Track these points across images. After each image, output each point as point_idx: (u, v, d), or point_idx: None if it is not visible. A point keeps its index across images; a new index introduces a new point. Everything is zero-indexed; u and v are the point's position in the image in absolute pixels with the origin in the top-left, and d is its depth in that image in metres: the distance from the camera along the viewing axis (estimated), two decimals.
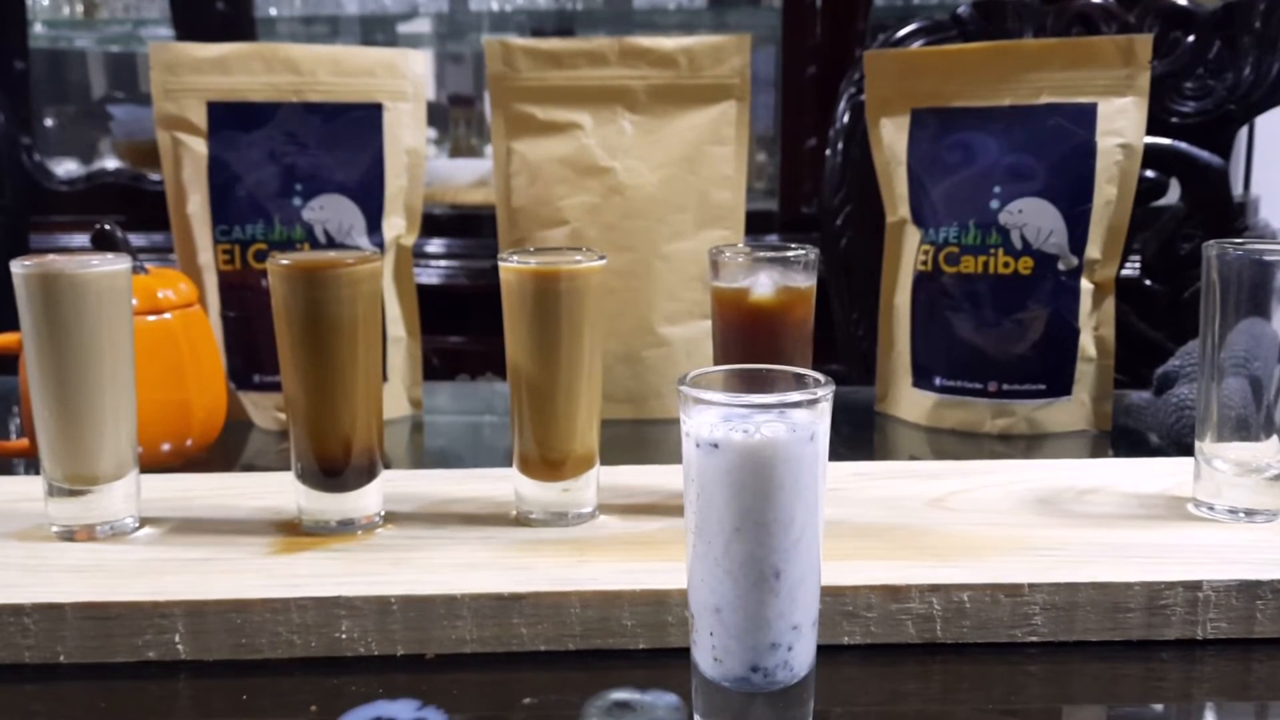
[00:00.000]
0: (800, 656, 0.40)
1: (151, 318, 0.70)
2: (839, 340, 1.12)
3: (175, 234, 0.85)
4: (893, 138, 0.86)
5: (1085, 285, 0.81)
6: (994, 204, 0.81)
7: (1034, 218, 0.80)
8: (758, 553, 0.39)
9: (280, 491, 0.59)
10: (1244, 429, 0.57)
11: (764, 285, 0.58)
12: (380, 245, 0.84)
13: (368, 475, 0.57)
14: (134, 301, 0.58)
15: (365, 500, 0.57)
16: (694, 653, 0.41)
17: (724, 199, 0.86)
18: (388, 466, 0.61)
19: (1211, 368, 0.57)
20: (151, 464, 0.70)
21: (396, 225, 0.86)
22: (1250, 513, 0.56)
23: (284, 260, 0.55)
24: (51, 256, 0.55)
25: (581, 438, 0.58)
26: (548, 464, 0.58)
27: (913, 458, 0.80)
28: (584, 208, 0.84)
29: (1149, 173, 0.94)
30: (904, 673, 0.48)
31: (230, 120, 0.82)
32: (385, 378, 0.84)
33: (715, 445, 0.38)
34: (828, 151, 1.09)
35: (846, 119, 1.07)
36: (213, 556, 0.53)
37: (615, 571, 0.50)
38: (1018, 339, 0.81)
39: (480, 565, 0.52)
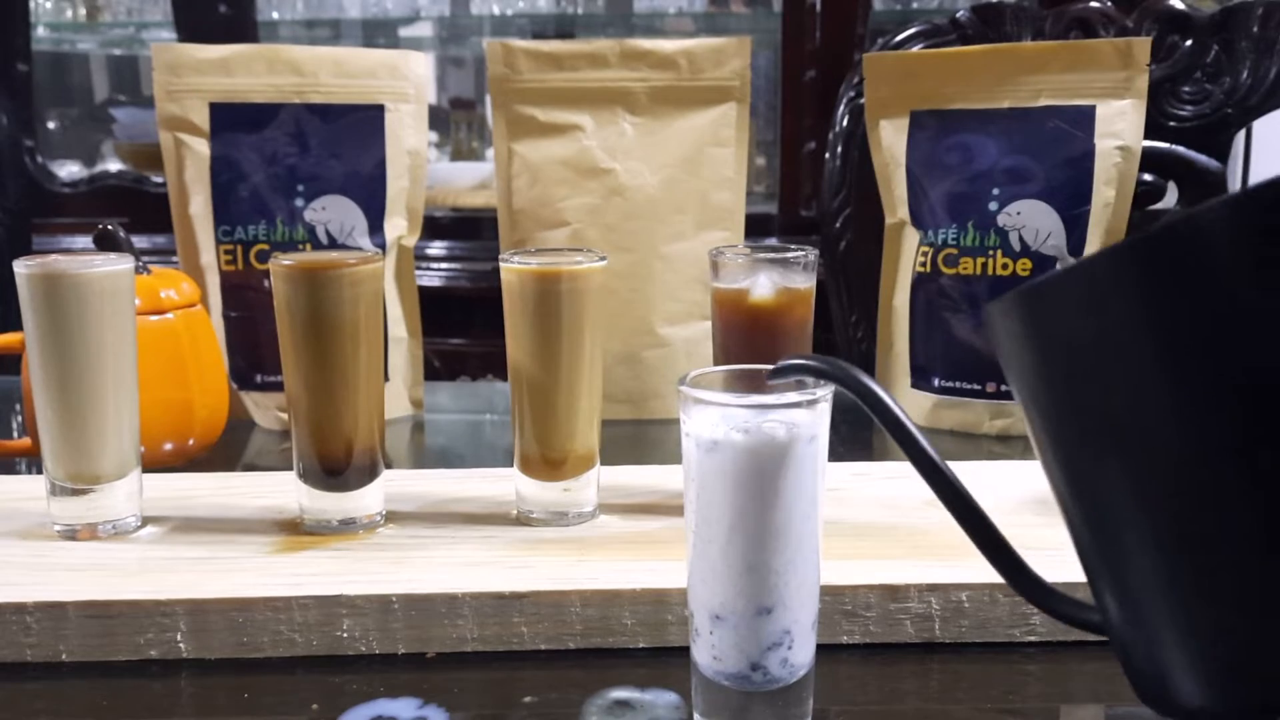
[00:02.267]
0: (799, 655, 0.40)
1: (154, 317, 0.71)
2: (838, 341, 1.12)
3: (177, 234, 0.85)
4: (892, 140, 0.86)
5: None
6: (993, 206, 0.81)
7: (1032, 219, 0.80)
8: (757, 552, 0.39)
9: (282, 491, 0.60)
10: None
11: (764, 286, 0.58)
12: (382, 246, 0.85)
13: (369, 475, 0.57)
14: (136, 301, 0.58)
15: (367, 499, 0.57)
16: (694, 651, 0.41)
17: (724, 200, 0.86)
18: (389, 466, 0.62)
19: None
20: (154, 463, 0.70)
21: (398, 226, 0.86)
22: None
23: (286, 260, 0.55)
24: (54, 257, 0.55)
25: (582, 437, 0.58)
26: (548, 463, 0.58)
27: None
28: (585, 209, 0.85)
29: (1147, 176, 0.94)
30: (903, 672, 0.48)
31: (233, 121, 0.82)
32: (387, 377, 0.84)
33: (715, 445, 0.38)
34: (827, 155, 1.10)
35: (846, 122, 1.08)
36: (215, 555, 0.53)
37: (615, 571, 0.51)
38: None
39: (481, 564, 0.52)
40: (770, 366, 0.42)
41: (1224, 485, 0.25)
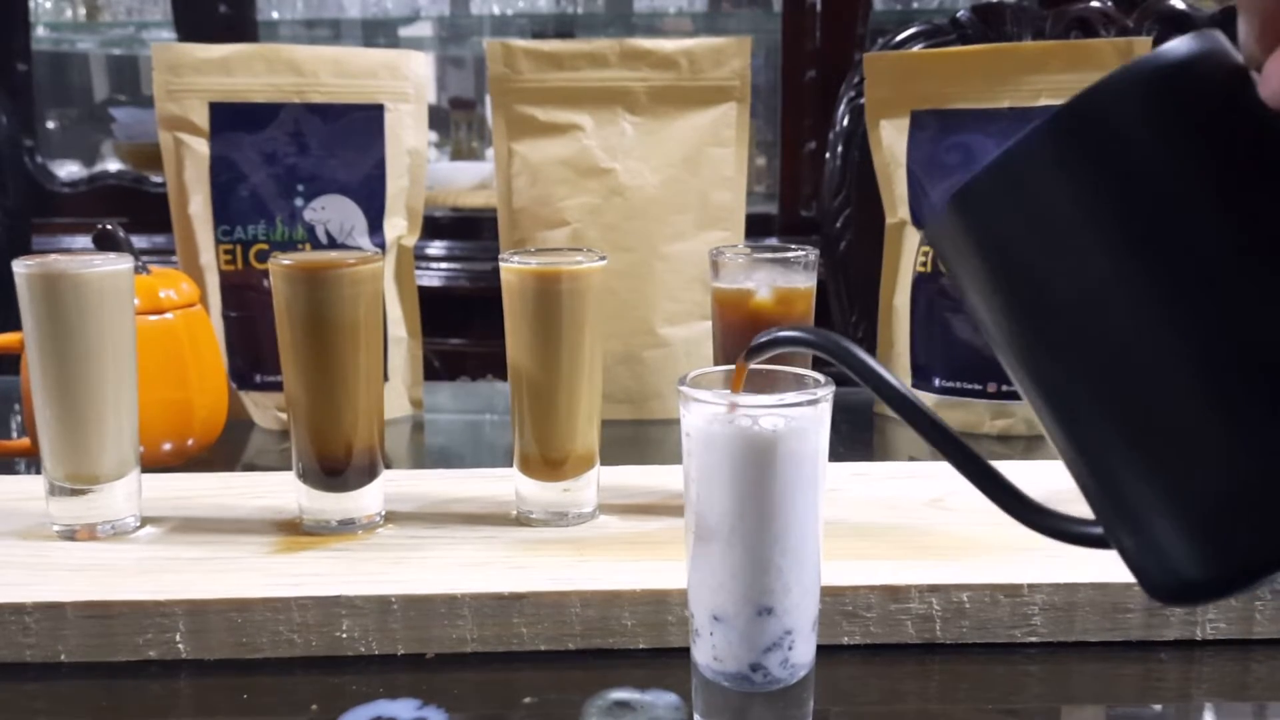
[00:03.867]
0: (800, 656, 0.40)
1: (153, 317, 0.70)
2: None
3: (177, 234, 0.85)
4: (892, 139, 0.86)
5: None
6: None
7: None
8: (757, 552, 0.39)
9: (281, 491, 0.60)
10: None
11: (764, 286, 0.58)
12: (381, 246, 0.85)
13: (369, 475, 0.57)
14: (136, 301, 0.58)
15: (366, 500, 0.57)
16: (694, 652, 0.41)
17: (724, 200, 0.86)
18: (388, 466, 0.62)
19: None
20: (153, 463, 0.70)
21: (398, 226, 0.86)
22: None
23: (286, 260, 0.55)
24: (54, 256, 0.55)
25: (582, 437, 0.58)
26: (548, 464, 0.58)
27: (912, 458, 0.80)
28: (585, 209, 0.85)
29: None
30: (903, 673, 0.48)
31: (232, 121, 0.82)
32: (386, 377, 0.84)
33: (715, 445, 0.38)
34: (827, 155, 1.10)
35: (846, 122, 1.08)
36: (214, 555, 0.53)
37: (615, 571, 0.50)
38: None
39: (481, 565, 0.52)
40: (771, 366, 0.42)
41: (1172, 347, 0.26)
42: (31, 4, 1.70)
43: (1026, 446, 0.80)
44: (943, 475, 0.65)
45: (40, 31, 1.86)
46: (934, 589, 0.49)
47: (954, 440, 0.34)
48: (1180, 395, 0.26)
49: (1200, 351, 0.25)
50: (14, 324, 0.58)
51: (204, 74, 0.82)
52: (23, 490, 0.62)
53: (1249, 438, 0.25)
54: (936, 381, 0.84)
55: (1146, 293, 0.26)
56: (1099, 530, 0.30)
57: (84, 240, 1.02)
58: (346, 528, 0.57)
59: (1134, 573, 0.29)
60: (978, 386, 0.82)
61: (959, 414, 0.83)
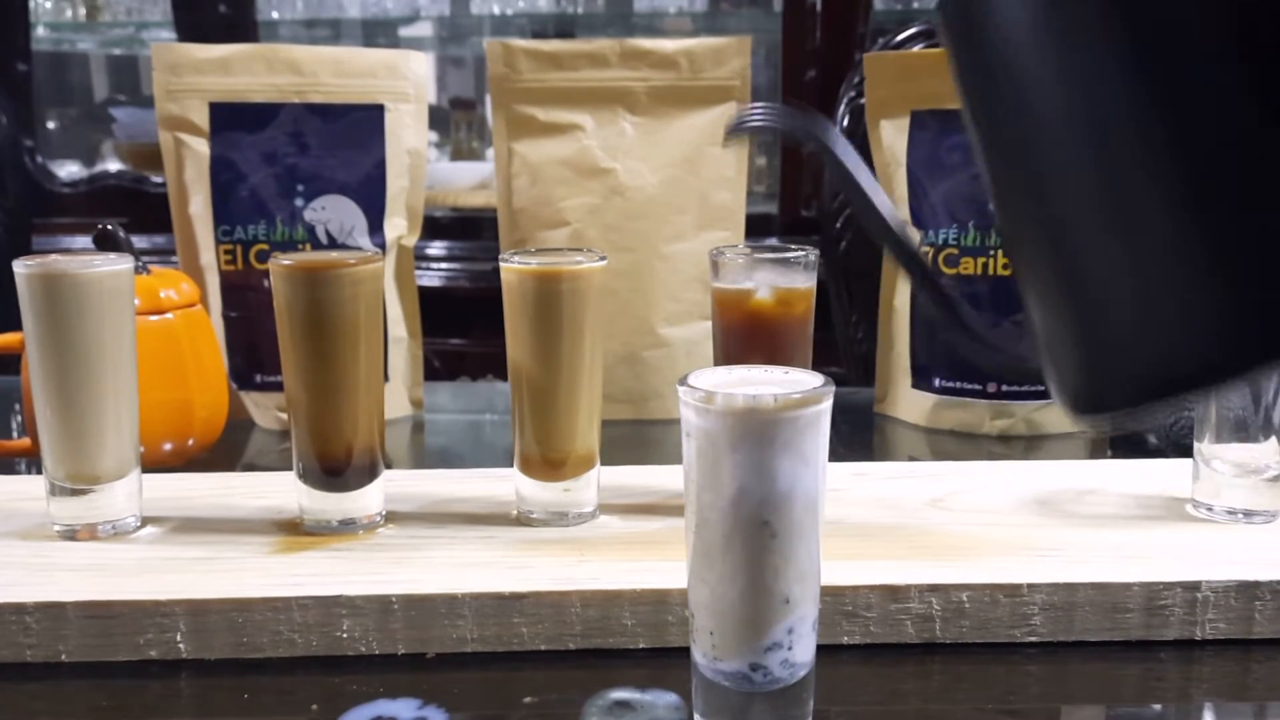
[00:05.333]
0: (800, 656, 0.40)
1: (153, 317, 0.71)
2: (838, 342, 1.12)
3: (177, 234, 0.85)
4: (892, 139, 0.86)
5: None
6: (994, 205, 0.81)
7: None
8: (757, 552, 0.39)
9: (282, 491, 0.60)
10: (1242, 430, 0.57)
11: (764, 286, 0.58)
12: (382, 246, 0.85)
13: (369, 475, 0.57)
14: (136, 301, 0.58)
15: (366, 500, 0.57)
16: (694, 652, 0.41)
17: (724, 200, 0.86)
18: (389, 466, 0.62)
19: None
20: (153, 463, 0.70)
21: (398, 226, 0.86)
22: (1249, 513, 0.57)
23: (286, 260, 0.55)
24: (54, 256, 0.55)
25: (582, 438, 0.58)
26: (549, 464, 0.58)
27: (912, 458, 0.80)
28: (585, 209, 0.85)
29: None
30: (903, 672, 0.48)
31: (232, 121, 0.82)
32: (386, 377, 0.84)
33: (715, 445, 0.38)
34: None
35: (846, 122, 1.08)
36: (214, 555, 0.53)
37: (616, 571, 0.50)
38: (1017, 340, 0.81)
39: (481, 565, 0.52)
40: (771, 367, 0.42)
41: (1140, 144, 0.25)
42: (31, 4, 1.70)
43: (1027, 446, 0.80)
44: (943, 475, 0.65)
45: (40, 31, 1.86)
46: (934, 589, 0.49)
47: (914, 257, 0.35)
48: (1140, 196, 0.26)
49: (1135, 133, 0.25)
50: (14, 324, 0.58)
51: (204, 74, 0.82)
52: (23, 490, 0.62)
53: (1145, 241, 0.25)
54: (936, 381, 0.84)
55: (1083, 81, 0.25)
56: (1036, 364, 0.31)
57: (84, 240, 1.02)
58: (347, 528, 0.57)
59: (1055, 389, 0.30)
60: (978, 386, 0.82)
61: (959, 414, 0.83)
